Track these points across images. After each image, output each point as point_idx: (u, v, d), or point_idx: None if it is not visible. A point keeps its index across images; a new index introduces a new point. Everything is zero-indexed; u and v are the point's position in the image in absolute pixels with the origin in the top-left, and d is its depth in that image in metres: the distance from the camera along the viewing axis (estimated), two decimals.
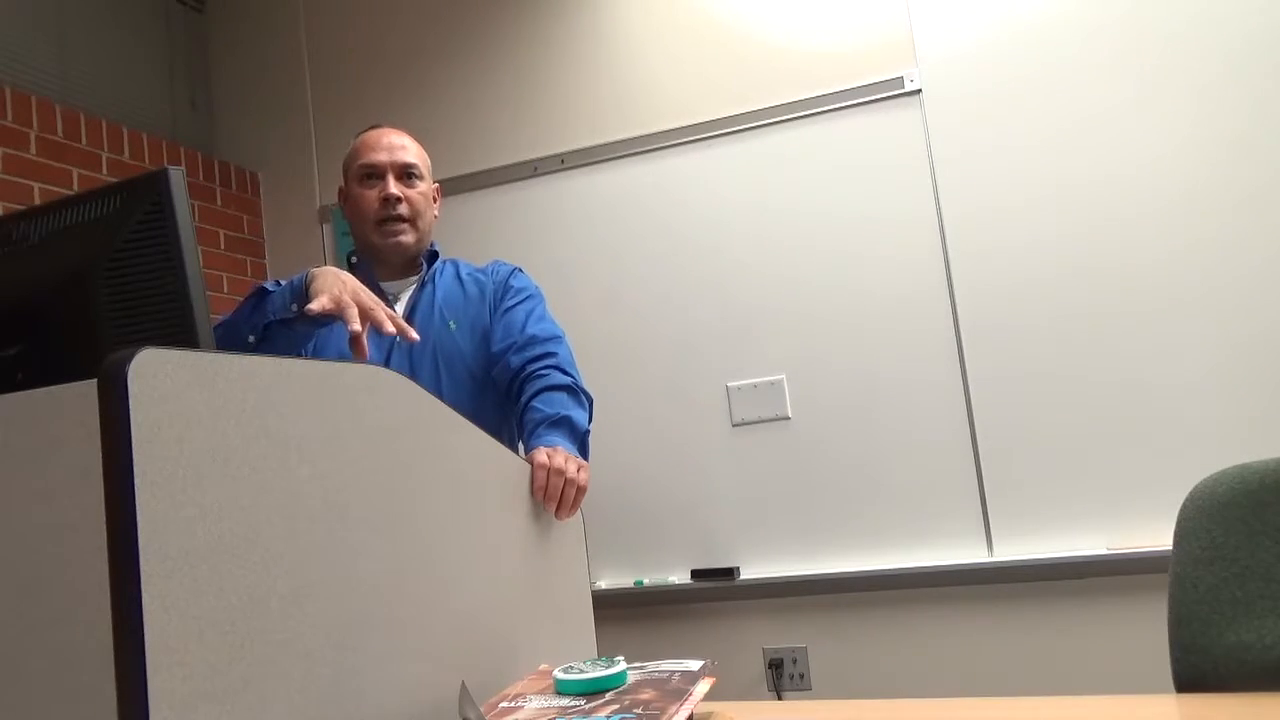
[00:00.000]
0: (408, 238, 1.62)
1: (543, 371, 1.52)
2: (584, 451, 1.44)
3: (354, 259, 1.70)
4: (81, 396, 0.60)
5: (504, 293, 1.65)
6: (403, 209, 1.61)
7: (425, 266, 1.68)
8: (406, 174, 1.63)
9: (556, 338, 1.60)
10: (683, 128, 2.43)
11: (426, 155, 1.69)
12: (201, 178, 2.73)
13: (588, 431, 1.49)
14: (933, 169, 2.21)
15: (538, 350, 1.56)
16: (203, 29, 3.01)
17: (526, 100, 2.61)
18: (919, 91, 2.24)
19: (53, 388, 0.63)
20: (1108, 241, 2.08)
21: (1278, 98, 1.99)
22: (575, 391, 1.51)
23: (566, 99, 2.57)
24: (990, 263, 2.16)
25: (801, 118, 2.33)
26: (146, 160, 2.55)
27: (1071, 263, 2.10)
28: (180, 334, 0.80)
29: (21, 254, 0.88)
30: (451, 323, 1.61)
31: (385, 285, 1.66)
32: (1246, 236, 1.99)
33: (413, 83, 2.73)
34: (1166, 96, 2.06)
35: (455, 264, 1.72)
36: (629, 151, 2.48)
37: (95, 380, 0.59)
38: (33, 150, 2.24)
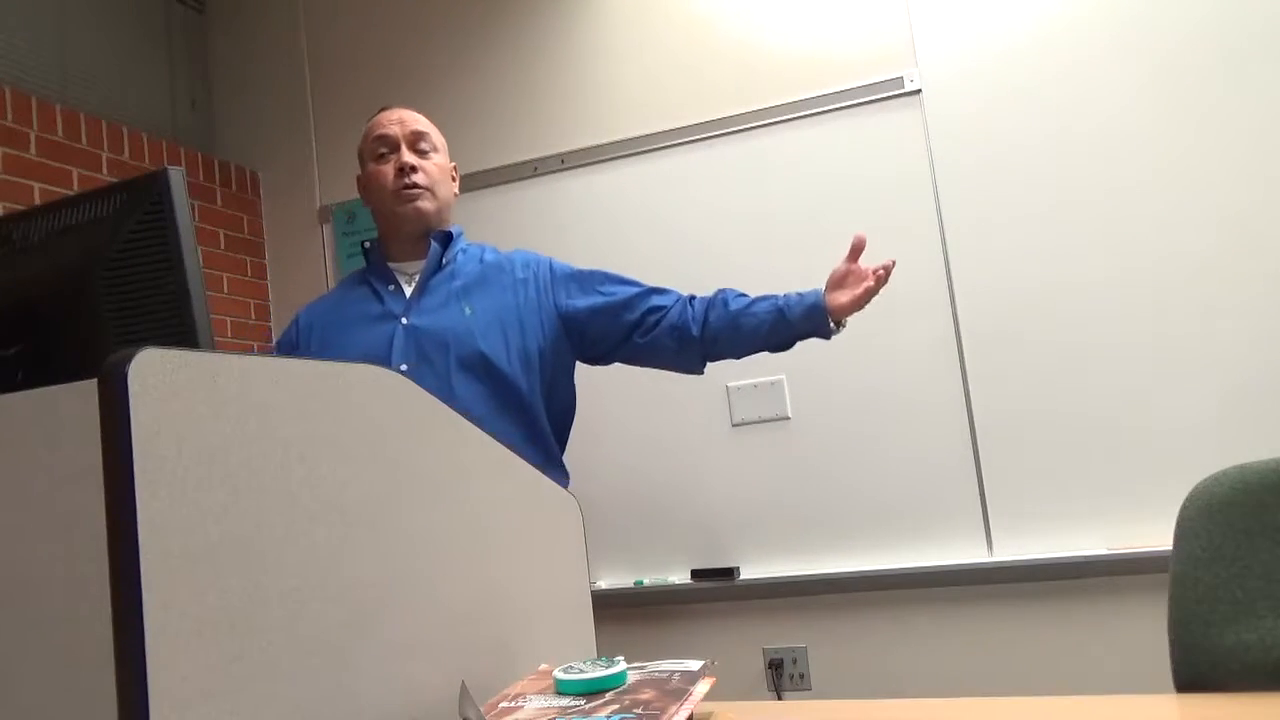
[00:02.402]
0: (427, 204, 1.61)
1: (693, 300, 1.69)
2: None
3: (367, 245, 1.69)
4: (81, 396, 0.60)
5: (567, 278, 1.67)
6: (418, 176, 1.60)
7: (440, 248, 1.63)
8: (419, 144, 1.63)
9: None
10: (683, 128, 2.43)
11: (441, 136, 1.69)
12: (201, 178, 2.72)
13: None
14: (933, 169, 2.21)
15: (664, 298, 1.69)
16: (203, 29, 3.01)
17: (526, 100, 2.61)
18: (919, 91, 2.24)
19: (53, 388, 0.63)
20: (1107, 241, 2.08)
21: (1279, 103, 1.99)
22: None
23: (566, 99, 2.57)
24: (990, 262, 2.16)
25: (801, 118, 2.33)
26: (146, 160, 2.55)
27: (1071, 262, 2.10)
28: (180, 334, 0.80)
29: (21, 254, 0.87)
30: (467, 308, 1.58)
31: (395, 266, 1.64)
32: (1246, 238, 1.99)
33: (413, 82, 2.73)
34: (1166, 97, 2.06)
35: (482, 249, 1.69)
36: (629, 151, 2.48)
37: (95, 380, 0.59)
38: (33, 150, 2.24)
